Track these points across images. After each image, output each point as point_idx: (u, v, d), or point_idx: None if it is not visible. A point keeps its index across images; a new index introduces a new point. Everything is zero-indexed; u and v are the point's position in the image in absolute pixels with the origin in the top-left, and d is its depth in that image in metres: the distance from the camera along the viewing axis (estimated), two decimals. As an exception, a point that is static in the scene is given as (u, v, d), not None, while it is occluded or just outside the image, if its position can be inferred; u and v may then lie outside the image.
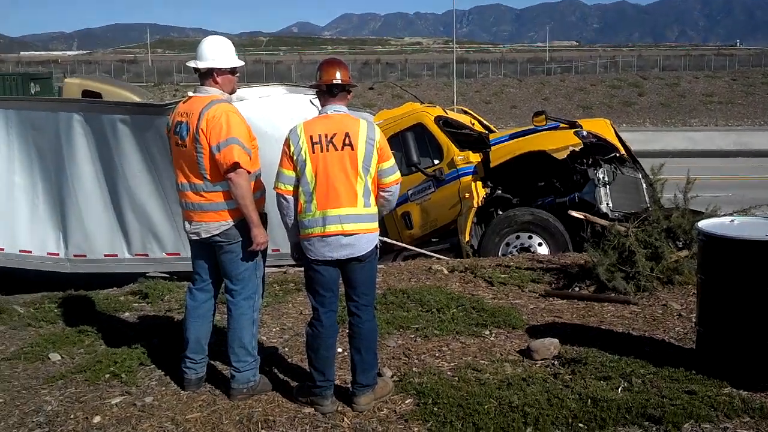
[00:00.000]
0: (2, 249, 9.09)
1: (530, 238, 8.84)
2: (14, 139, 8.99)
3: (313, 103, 8.48)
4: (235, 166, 4.32)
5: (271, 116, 8.16)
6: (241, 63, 4.69)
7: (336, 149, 4.18)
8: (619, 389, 4.32)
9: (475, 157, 9.40)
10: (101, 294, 7.24)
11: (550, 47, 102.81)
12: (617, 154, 9.39)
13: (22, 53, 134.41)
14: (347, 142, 4.18)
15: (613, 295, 6.30)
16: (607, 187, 8.96)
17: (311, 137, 4.19)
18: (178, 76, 68.32)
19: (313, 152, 4.18)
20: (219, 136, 4.32)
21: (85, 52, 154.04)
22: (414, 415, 4.16)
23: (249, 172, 4.40)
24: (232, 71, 4.62)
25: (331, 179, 4.18)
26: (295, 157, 4.21)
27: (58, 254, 9.05)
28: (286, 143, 4.26)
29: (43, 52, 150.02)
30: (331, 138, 4.18)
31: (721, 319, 4.48)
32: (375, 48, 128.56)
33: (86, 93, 19.62)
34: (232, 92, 4.68)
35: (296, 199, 4.28)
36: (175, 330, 5.69)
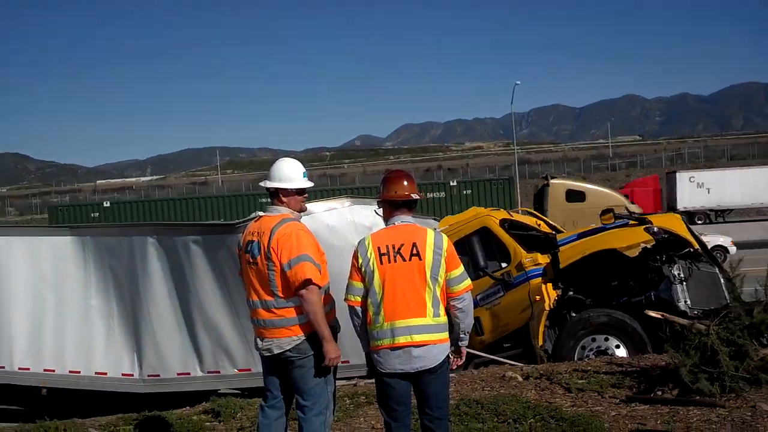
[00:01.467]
0: (78, 372, 9.29)
1: (607, 340, 8.56)
2: (90, 264, 9.35)
3: (377, 213, 8.58)
4: (307, 282, 4.38)
5: (338, 228, 8.31)
6: (310, 184, 4.84)
7: (404, 260, 4.19)
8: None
9: (543, 259, 9.27)
10: (174, 414, 7.26)
11: (613, 143, 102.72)
12: (691, 249, 9.13)
13: (98, 181, 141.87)
14: (414, 252, 4.20)
15: (698, 398, 5.98)
16: (684, 283, 8.68)
17: (379, 248, 4.23)
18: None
19: (381, 263, 4.20)
20: (290, 253, 4.41)
21: (158, 177, 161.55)
22: None
23: (319, 287, 4.44)
24: (300, 192, 4.76)
25: (399, 290, 4.17)
26: (363, 269, 4.24)
27: (132, 375, 9.19)
28: (355, 255, 4.31)
29: (118, 179, 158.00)
30: (399, 248, 4.21)
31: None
32: (436, 155, 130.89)
33: (570, 192, 23.00)
34: (301, 211, 4.81)
35: (365, 311, 4.27)
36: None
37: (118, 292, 9.30)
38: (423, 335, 4.16)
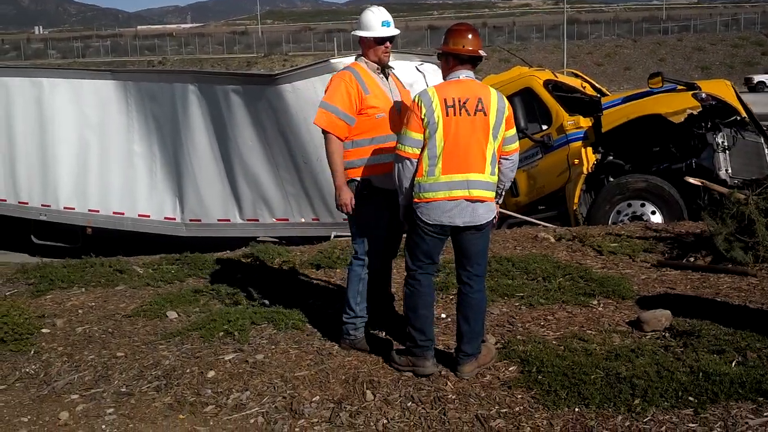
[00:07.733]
0: (122, 213, 9.61)
1: (643, 206, 8.54)
2: (133, 109, 9.44)
3: (419, 70, 8.45)
4: (323, 131, 4.53)
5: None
6: (390, 33, 4.74)
7: (468, 114, 4.12)
8: (733, 363, 4.12)
9: (585, 122, 9.13)
10: (215, 256, 7.53)
11: (667, 5, 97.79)
12: (738, 118, 8.90)
13: (139, 27, 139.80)
14: (480, 107, 4.12)
15: (731, 266, 6.01)
16: (727, 152, 8.52)
17: (445, 100, 4.13)
18: (287, 47, 69.50)
19: (447, 115, 4.12)
20: (322, 98, 4.61)
21: (198, 24, 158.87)
22: (518, 383, 4.12)
23: (341, 139, 4.52)
24: (379, 41, 4.71)
25: (461, 144, 4.11)
26: (426, 120, 4.12)
27: (174, 219, 9.50)
28: (417, 106, 4.15)
29: (158, 26, 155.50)
30: (464, 102, 4.12)
31: None
32: (482, 11, 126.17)
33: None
34: (380, 62, 4.75)
35: (419, 162, 4.21)
36: (284, 292, 5.87)
37: (160, 138, 9.43)
38: (480, 191, 4.14)
